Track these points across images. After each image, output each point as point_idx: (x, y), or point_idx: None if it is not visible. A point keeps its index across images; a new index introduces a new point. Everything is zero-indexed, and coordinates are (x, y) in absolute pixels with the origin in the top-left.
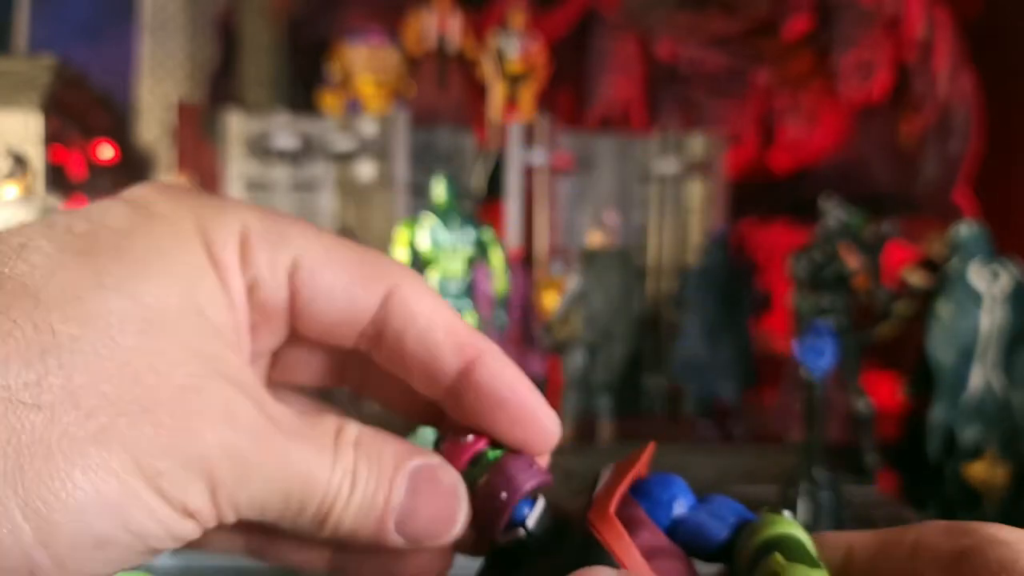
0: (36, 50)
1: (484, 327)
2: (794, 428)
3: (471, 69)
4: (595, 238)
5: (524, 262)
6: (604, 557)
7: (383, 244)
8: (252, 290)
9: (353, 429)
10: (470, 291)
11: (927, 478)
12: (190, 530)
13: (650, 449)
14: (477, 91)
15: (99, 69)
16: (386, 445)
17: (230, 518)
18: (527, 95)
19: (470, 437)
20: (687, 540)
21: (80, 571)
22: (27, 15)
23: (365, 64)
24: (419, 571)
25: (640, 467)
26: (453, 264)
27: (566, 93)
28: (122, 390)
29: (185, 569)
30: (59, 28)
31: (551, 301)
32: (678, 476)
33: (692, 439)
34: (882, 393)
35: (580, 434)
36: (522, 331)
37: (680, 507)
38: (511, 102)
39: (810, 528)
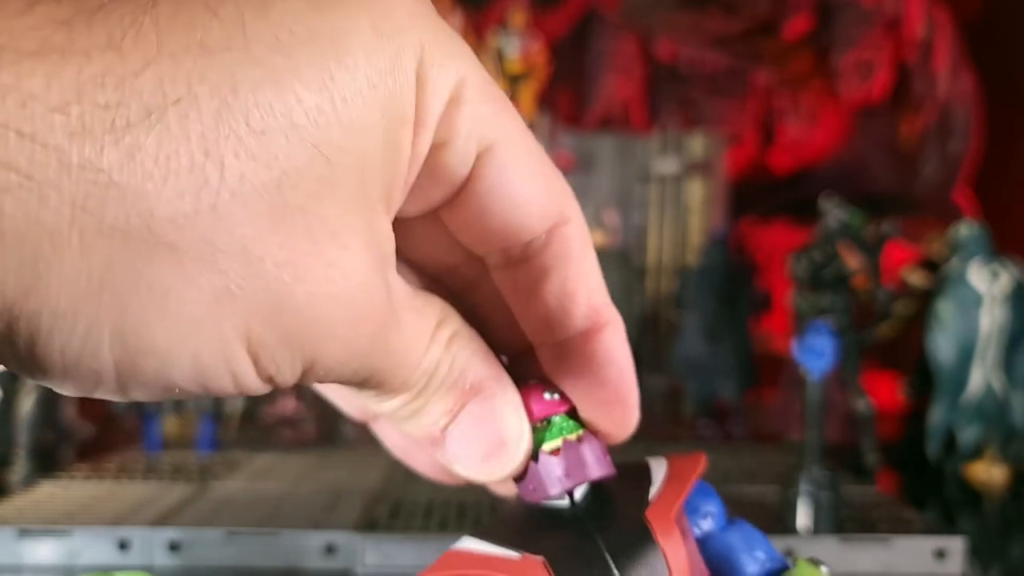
0: None
1: None
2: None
3: None
4: (595, 238)
5: None
6: (651, 554)
7: None
8: (435, 151)
9: (453, 323)
10: None
11: (927, 478)
12: (260, 391)
13: (703, 459)
14: None
15: None
16: (474, 358)
17: (309, 383)
18: (527, 95)
19: (557, 395)
20: (713, 561)
21: (132, 397)
22: None
23: None
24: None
25: (698, 474)
26: None
27: (566, 93)
28: (262, 234)
29: (185, 569)
30: None
31: None
32: (713, 489)
33: (692, 439)
34: (882, 393)
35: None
36: None
37: (710, 523)
38: (511, 102)
39: (810, 528)
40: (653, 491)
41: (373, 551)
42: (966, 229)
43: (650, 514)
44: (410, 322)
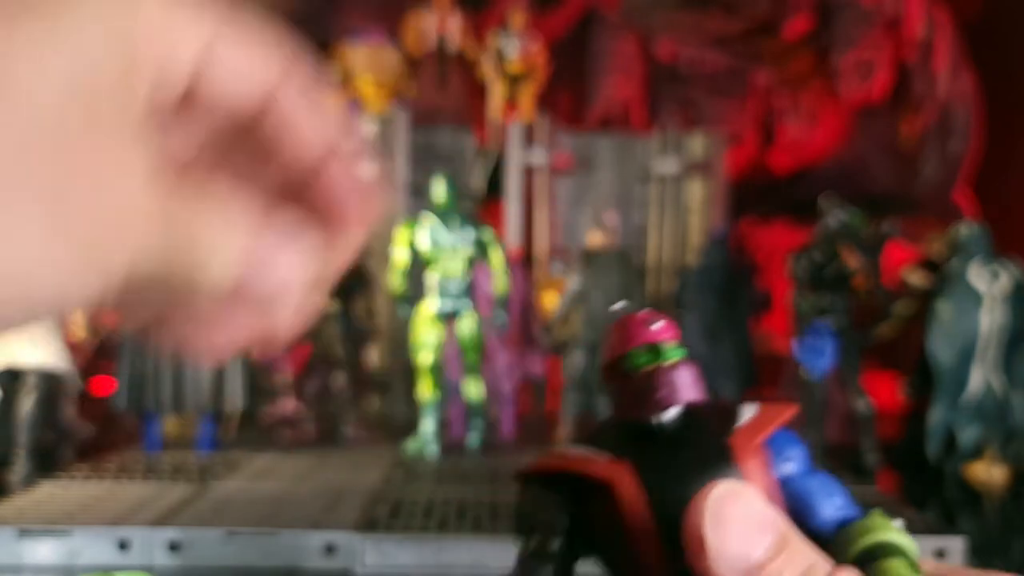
0: None
1: (484, 327)
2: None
3: (471, 69)
4: (595, 238)
5: (524, 262)
6: (730, 475)
7: (383, 244)
8: (163, 60)
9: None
10: (470, 291)
11: (927, 478)
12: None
13: (792, 408)
14: (477, 91)
15: None
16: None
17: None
18: (527, 95)
19: (660, 323)
20: (790, 501)
21: None
22: None
23: (365, 64)
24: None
25: (785, 419)
26: (453, 264)
27: (566, 93)
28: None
29: (185, 569)
30: None
31: (551, 301)
32: (798, 437)
33: None
34: (882, 393)
35: (580, 433)
36: (522, 331)
37: (791, 467)
38: (511, 102)
39: None
40: (739, 424)
41: (373, 551)
42: (966, 229)
43: (734, 440)
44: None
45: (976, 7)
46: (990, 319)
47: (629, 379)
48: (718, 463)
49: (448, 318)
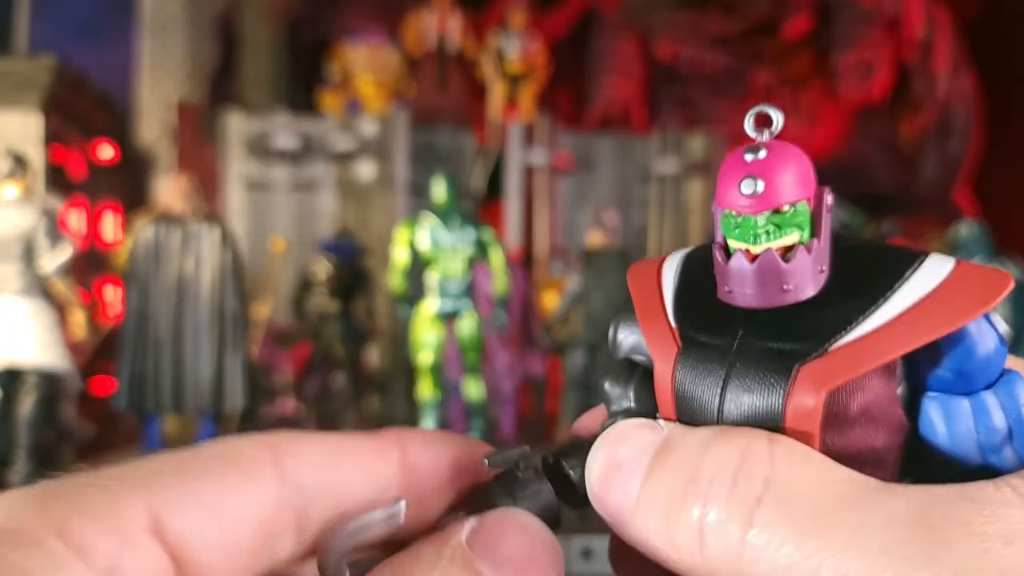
0: (36, 50)
1: (484, 327)
2: None
3: (471, 69)
4: (595, 238)
5: (524, 262)
6: (768, 407)
7: (383, 244)
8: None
9: None
10: (470, 291)
11: (927, 478)
12: None
13: (1006, 283)
14: (477, 91)
15: (99, 69)
16: None
17: None
18: (527, 95)
19: (761, 182)
20: (926, 421)
21: None
22: (27, 15)
23: (365, 64)
24: None
25: (965, 317)
26: (453, 264)
27: (566, 93)
28: None
29: None
30: (59, 28)
31: (551, 301)
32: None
33: None
34: None
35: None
36: (522, 331)
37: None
38: (511, 102)
39: None
40: (858, 331)
41: None
42: (966, 229)
43: (807, 370)
44: None
45: (976, 7)
46: None
47: (722, 248)
48: (757, 391)
49: (448, 318)
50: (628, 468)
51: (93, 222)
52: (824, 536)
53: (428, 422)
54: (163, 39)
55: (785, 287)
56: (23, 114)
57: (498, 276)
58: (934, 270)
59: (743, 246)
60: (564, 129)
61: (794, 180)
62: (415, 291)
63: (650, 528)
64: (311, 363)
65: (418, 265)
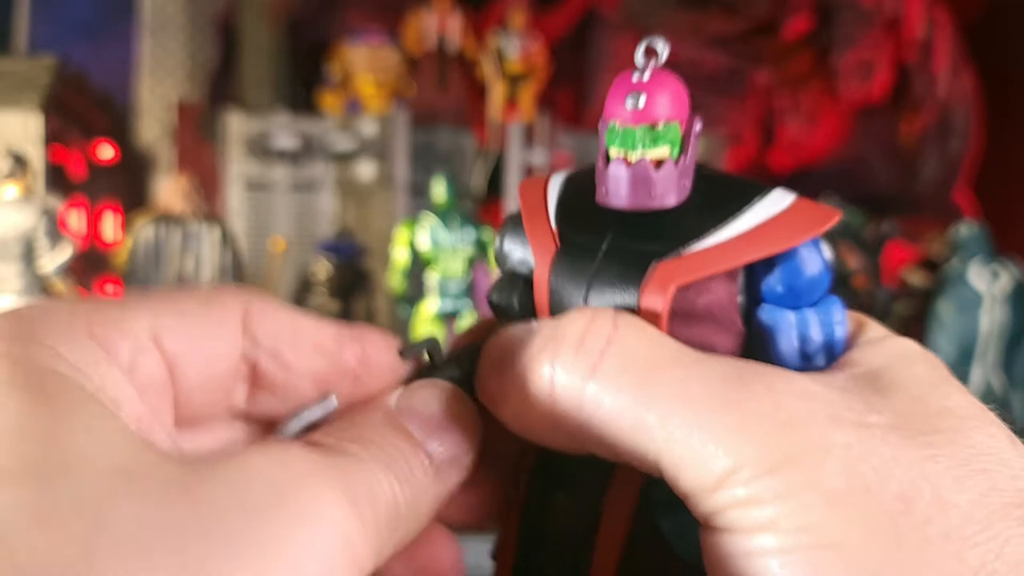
0: (36, 50)
1: None
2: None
3: (471, 69)
4: None
5: None
6: (623, 302)
7: (383, 244)
8: (132, 371)
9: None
10: (470, 291)
11: None
12: None
13: (830, 218)
14: (477, 91)
15: (99, 69)
16: None
17: None
18: (527, 95)
19: (643, 97)
20: (757, 331)
21: None
22: (27, 15)
23: (365, 64)
24: None
25: (793, 239)
26: (453, 264)
27: (566, 93)
28: None
29: None
30: (59, 28)
31: None
32: (823, 253)
33: None
34: None
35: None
36: None
37: (781, 295)
38: (511, 102)
39: None
40: (707, 240)
41: None
42: (966, 229)
43: (662, 268)
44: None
45: (976, 7)
46: (990, 319)
47: (603, 157)
48: (618, 287)
49: (448, 318)
50: (506, 361)
51: (93, 222)
52: (653, 387)
53: None
54: (163, 39)
55: (652, 193)
56: (23, 114)
57: None
58: (777, 200)
59: (622, 153)
60: (564, 129)
61: (670, 102)
62: (415, 291)
63: (508, 395)
64: None
65: (418, 265)
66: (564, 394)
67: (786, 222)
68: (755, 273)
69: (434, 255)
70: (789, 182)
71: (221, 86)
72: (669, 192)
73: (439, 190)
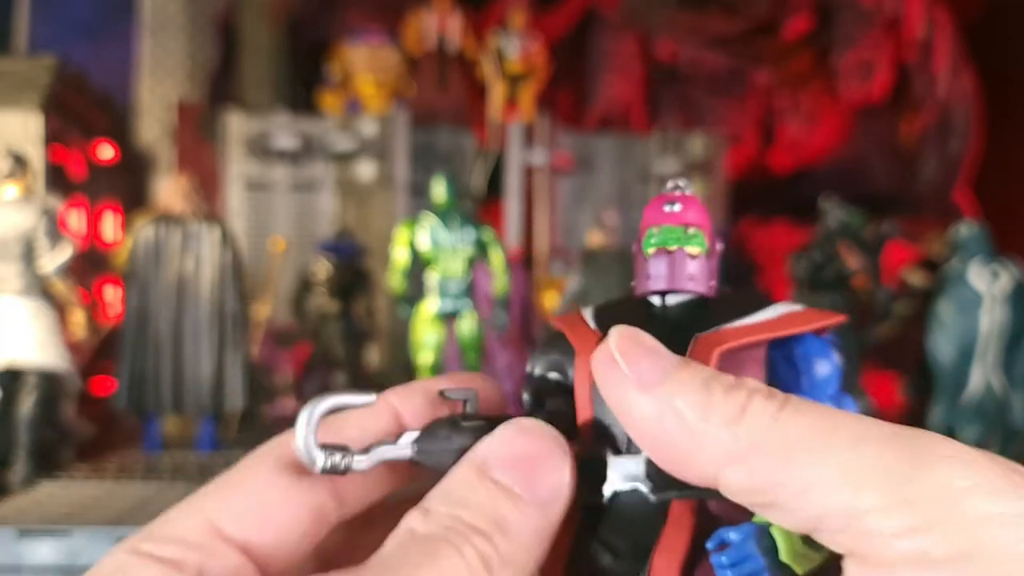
0: (36, 50)
1: (484, 327)
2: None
3: (471, 69)
4: (595, 238)
5: (524, 262)
6: None
7: (383, 244)
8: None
9: None
10: (470, 291)
11: None
12: None
13: (826, 320)
14: (477, 91)
15: (99, 69)
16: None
17: None
18: (527, 95)
19: (678, 206)
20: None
21: None
22: (27, 15)
23: (365, 64)
24: None
25: (807, 326)
26: (453, 264)
27: (566, 93)
28: None
29: None
30: (59, 28)
31: (551, 301)
32: (834, 351)
33: None
34: (882, 393)
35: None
36: (522, 331)
37: (805, 380)
38: (511, 102)
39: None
40: (739, 323)
41: None
42: (966, 229)
43: (704, 338)
44: None
45: (976, 7)
46: (990, 319)
47: (643, 258)
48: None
49: (448, 318)
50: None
51: (93, 222)
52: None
53: None
54: (163, 39)
55: (688, 275)
56: (23, 114)
57: (498, 276)
58: (784, 306)
59: (661, 247)
60: (564, 129)
61: (697, 213)
62: (415, 291)
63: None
64: (311, 363)
65: (418, 265)
66: (754, 418)
67: (801, 316)
68: (774, 360)
69: (434, 255)
70: (789, 182)
71: (221, 86)
72: (701, 280)
73: (439, 190)
